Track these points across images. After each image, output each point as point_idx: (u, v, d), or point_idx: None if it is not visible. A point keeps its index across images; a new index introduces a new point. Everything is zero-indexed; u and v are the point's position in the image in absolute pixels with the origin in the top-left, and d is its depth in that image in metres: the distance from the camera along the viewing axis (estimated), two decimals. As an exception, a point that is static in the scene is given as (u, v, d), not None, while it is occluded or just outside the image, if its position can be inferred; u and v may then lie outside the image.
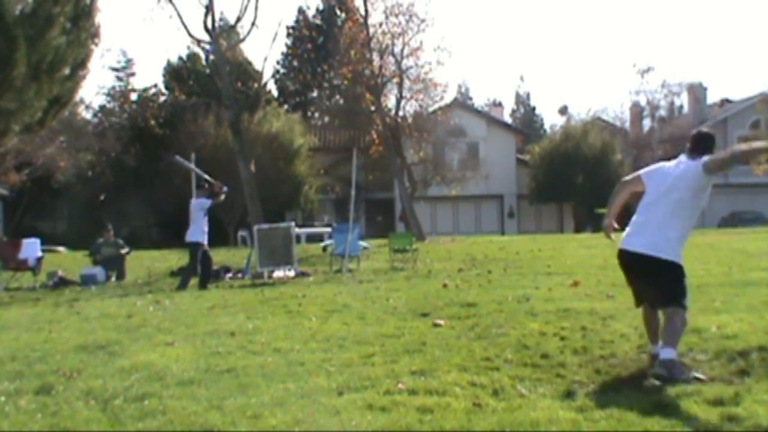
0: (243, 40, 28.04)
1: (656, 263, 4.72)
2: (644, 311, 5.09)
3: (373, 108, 27.72)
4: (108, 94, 39.70)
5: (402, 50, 26.66)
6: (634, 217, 5.02)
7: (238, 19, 22.78)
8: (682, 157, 4.97)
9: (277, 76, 47.42)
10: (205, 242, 12.06)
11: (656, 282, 4.78)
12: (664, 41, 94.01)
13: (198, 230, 11.96)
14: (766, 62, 78.14)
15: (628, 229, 5.01)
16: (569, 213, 39.12)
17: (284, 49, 48.89)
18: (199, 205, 12.09)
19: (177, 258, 17.80)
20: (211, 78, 28.72)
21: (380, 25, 26.37)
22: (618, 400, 4.02)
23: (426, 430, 3.66)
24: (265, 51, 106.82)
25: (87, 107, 36.46)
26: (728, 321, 5.97)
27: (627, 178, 5.31)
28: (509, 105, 75.89)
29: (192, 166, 13.60)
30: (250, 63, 37.83)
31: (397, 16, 26.22)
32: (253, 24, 21.81)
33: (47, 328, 7.19)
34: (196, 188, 12.61)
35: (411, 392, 4.30)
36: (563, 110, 48.12)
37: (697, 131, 5.10)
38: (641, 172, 5.17)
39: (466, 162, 37.98)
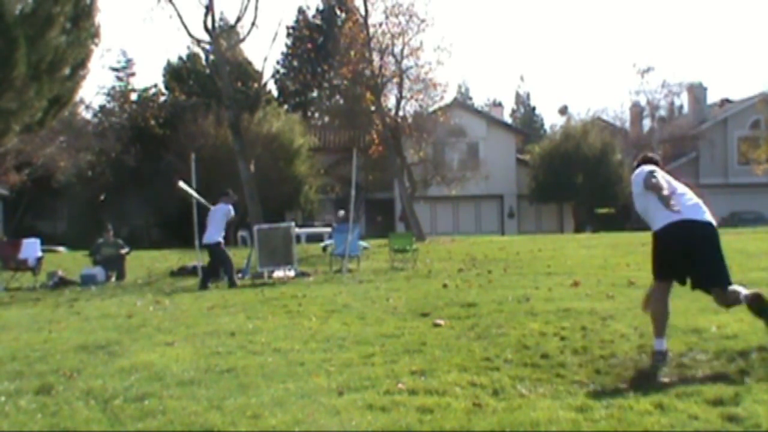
0: (243, 40, 28.01)
1: (716, 235, 4.99)
2: (665, 299, 5.06)
3: (373, 108, 27.71)
4: (108, 94, 39.68)
5: (402, 50, 26.64)
6: (680, 198, 5.01)
7: (238, 19, 22.77)
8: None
9: (277, 76, 47.38)
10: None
11: (715, 255, 4.95)
12: (664, 41, 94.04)
13: (217, 232, 12.29)
14: (766, 62, 78.20)
15: (678, 207, 4.96)
16: (569, 213, 39.11)
17: (284, 49, 48.89)
18: (225, 212, 12.40)
19: (177, 258, 17.81)
20: (211, 78, 28.71)
21: (380, 25, 26.35)
22: (618, 400, 4.02)
23: (426, 430, 3.66)
24: (265, 51, 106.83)
25: (87, 107, 36.46)
26: (728, 321, 5.97)
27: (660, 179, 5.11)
28: (509, 105, 75.87)
29: (195, 194, 13.52)
30: (250, 63, 37.79)
31: (397, 16, 26.20)
32: (253, 24, 21.81)
33: (47, 328, 7.19)
34: (222, 195, 12.69)
35: (411, 392, 4.30)
36: (563, 110, 48.14)
37: (655, 156, 5.54)
38: (659, 176, 5.11)
39: (466, 162, 37.97)
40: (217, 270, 12.48)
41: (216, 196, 12.84)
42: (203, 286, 11.70)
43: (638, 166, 5.44)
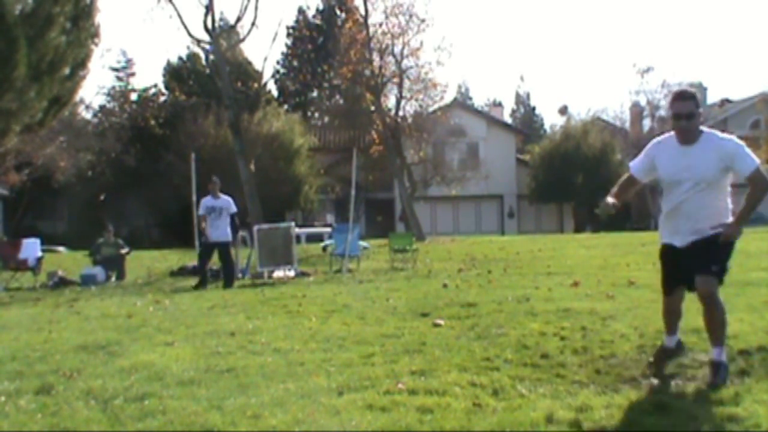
0: (243, 40, 28.07)
1: None
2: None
3: (373, 108, 27.74)
4: (108, 94, 39.74)
5: (402, 50, 26.71)
6: None
7: (238, 19, 22.86)
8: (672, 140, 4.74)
9: (277, 76, 47.42)
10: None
11: None
12: (664, 41, 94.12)
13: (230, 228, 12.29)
14: (766, 62, 78.20)
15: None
16: (569, 213, 39.12)
17: (284, 49, 48.95)
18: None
19: (177, 258, 17.80)
20: (211, 78, 28.72)
21: (380, 25, 26.42)
22: (618, 400, 4.01)
23: (426, 430, 3.65)
24: (265, 51, 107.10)
25: (87, 107, 36.54)
26: (728, 321, 5.96)
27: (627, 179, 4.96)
28: (509, 105, 76.07)
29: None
30: (250, 63, 37.82)
31: (397, 16, 26.28)
32: (253, 24, 21.90)
33: (47, 328, 7.18)
34: (214, 183, 12.56)
35: (411, 392, 4.29)
36: (563, 110, 48.10)
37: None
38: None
39: (466, 162, 38.02)
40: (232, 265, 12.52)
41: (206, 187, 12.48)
42: (230, 284, 11.75)
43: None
